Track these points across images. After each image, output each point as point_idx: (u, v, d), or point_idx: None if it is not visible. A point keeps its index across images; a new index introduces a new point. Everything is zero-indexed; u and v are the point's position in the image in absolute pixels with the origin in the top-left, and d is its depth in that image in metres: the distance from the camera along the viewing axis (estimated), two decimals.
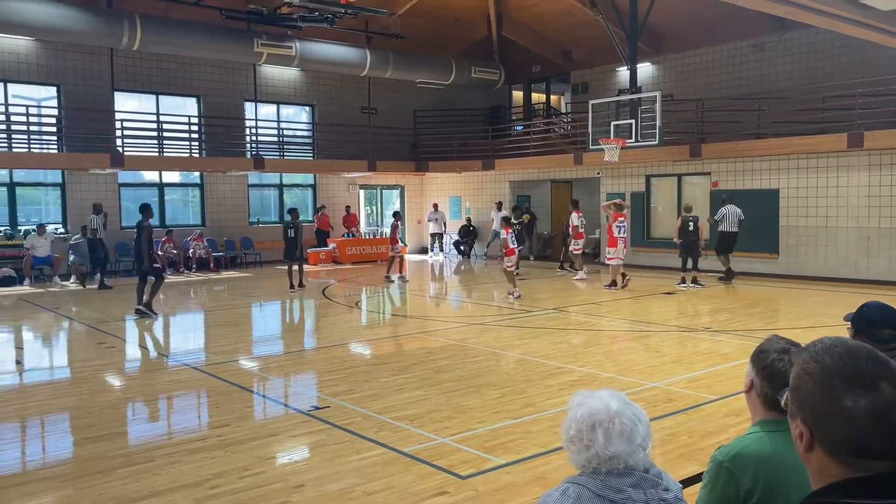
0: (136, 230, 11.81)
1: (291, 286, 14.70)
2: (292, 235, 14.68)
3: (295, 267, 14.85)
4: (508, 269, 13.59)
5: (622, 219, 14.54)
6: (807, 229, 15.51)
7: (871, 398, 1.22)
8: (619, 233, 14.34)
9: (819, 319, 10.66)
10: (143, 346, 9.98)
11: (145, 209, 11.72)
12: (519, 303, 12.76)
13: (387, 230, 23.98)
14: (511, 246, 13.47)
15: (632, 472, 1.87)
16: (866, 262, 14.76)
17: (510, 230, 13.66)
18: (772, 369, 2.21)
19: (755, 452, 2.15)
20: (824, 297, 12.90)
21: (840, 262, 14.99)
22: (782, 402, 1.53)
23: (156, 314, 11.69)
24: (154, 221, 19.17)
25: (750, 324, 10.34)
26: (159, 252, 18.35)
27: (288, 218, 15.51)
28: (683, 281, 14.34)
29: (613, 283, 14.36)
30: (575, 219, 16.23)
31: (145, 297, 11.65)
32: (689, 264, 14.35)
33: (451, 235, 23.60)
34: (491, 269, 19.54)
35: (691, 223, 14.25)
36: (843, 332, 3.03)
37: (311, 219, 22.02)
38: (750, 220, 15.10)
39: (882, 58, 14.53)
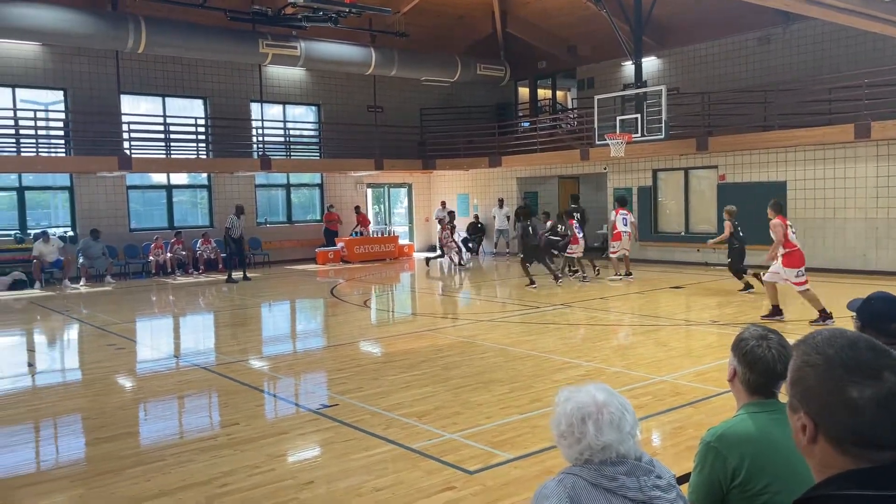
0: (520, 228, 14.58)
1: (597, 271, 15.53)
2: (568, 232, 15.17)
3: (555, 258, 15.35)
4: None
5: (624, 212, 14.87)
6: (814, 221, 15.44)
7: (876, 388, 1.22)
8: (623, 226, 14.78)
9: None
10: (152, 347, 10.07)
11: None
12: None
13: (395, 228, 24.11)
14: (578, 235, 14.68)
15: (624, 460, 1.90)
16: (875, 253, 14.70)
17: (573, 221, 14.75)
18: (752, 356, 2.31)
19: (740, 432, 2.23)
20: (833, 289, 12.81)
21: (848, 253, 14.92)
22: (779, 395, 1.54)
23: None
24: (163, 223, 19.66)
25: (758, 317, 10.30)
26: (168, 254, 18.52)
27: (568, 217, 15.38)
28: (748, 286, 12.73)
29: (618, 274, 14.86)
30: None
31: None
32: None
33: (460, 233, 23.59)
34: (499, 266, 19.54)
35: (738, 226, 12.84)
36: (851, 323, 3.03)
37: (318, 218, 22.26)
38: (758, 213, 14.95)
39: (888, 48, 14.45)
